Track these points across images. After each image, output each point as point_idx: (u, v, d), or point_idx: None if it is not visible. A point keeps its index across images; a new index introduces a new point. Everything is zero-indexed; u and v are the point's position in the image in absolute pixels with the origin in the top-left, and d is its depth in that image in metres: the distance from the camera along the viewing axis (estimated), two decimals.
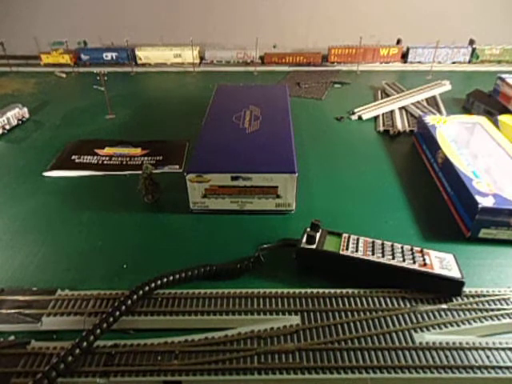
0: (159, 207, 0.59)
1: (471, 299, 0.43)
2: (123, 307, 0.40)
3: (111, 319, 0.39)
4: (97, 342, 0.38)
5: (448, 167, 0.59)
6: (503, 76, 0.88)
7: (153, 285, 0.42)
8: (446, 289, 0.43)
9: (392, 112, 0.89)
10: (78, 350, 0.36)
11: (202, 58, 1.27)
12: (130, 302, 0.40)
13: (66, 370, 0.35)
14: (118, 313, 0.39)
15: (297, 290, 0.44)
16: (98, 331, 0.37)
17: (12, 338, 0.39)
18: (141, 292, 0.41)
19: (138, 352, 0.37)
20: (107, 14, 1.26)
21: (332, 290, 0.44)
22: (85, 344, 0.36)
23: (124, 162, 0.70)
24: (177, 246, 0.51)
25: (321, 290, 0.44)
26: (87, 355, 0.37)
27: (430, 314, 0.41)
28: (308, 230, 0.47)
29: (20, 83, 1.11)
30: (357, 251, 0.45)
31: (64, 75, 1.18)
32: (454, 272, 0.42)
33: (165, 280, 0.43)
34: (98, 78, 0.88)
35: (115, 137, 0.79)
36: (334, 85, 1.09)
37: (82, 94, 1.04)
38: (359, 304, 0.42)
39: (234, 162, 0.56)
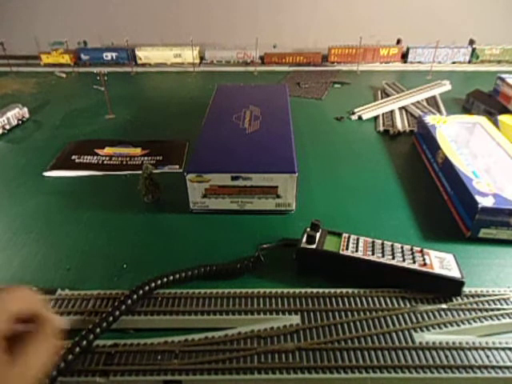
0: (159, 207, 0.59)
1: (471, 299, 0.43)
2: (123, 307, 0.40)
3: (111, 318, 0.39)
4: (97, 342, 0.38)
5: (448, 167, 0.59)
6: (503, 76, 0.88)
7: (153, 284, 0.42)
8: (446, 289, 0.43)
9: (392, 112, 0.89)
10: (77, 349, 0.36)
11: (201, 58, 1.27)
12: (130, 301, 0.40)
13: (67, 369, 0.35)
14: (117, 312, 0.39)
15: (297, 290, 0.44)
16: (98, 330, 0.37)
17: None
18: (141, 292, 0.41)
19: (137, 351, 0.37)
20: (107, 14, 1.26)
21: (332, 290, 0.44)
22: (84, 343, 0.36)
23: (124, 162, 0.70)
24: (177, 246, 0.51)
25: (321, 290, 0.44)
26: (87, 354, 0.37)
27: (430, 314, 0.41)
28: (308, 229, 0.47)
29: (20, 83, 1.11)
30: (357, 251, 0.45)
31: (64, 75, 1.18)
32: (453, 272, 0.42)
33: (165, 280, 0.43)
34: (98, 77, 0.87)
35: (115, 137, 0.79)
36: (333, 85, 1.09)
37: (82, 94, 1.04)
38: (359, 304, 0.42)
39: (234, 162, 0.56)
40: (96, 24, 1.28)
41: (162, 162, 0.70)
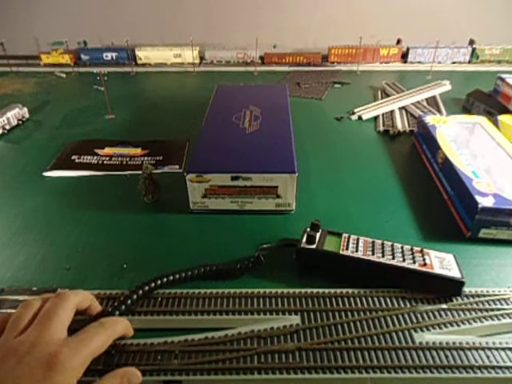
0: (159, 207, 0.59)
1: (471, 299, 0.43)
2: (123, 307, 0.40)
3: None
4: None
5: (448, 167, 0.59)
6: (503, 76, 0.88)
7: (153, 284, 0.42)
8: (446, 289, 0.43)
9: (392, 112, 0.89)
10: None
11: (201, 58, 1.27)
12: (129, 301, 0.40)
13: None
14: (117, 312, 0.39)
15: (297, 290, 0.44)
16: None
17: None
18: (140, 292, 0.41)
19: (137, 351, 0.37)
20: (107, 14, 1.26)
21: (332, 290, 0.44)
22: None
23: (124, 162, 0.70)
24: (177, 246, 0.51)
25: (321, 290, 0.44)
26: None
27: (430, 314, 0.41)
28: (308, 229, 0.47)
29: (20, 83, 1.11)
30: (357, 251, 0.45)
31: (64, 75, 1.18)
32: (453, 272, 0.42)
33: (165, 280, 0.43)
34: (98, 77, 0.88)
35: (115, 137, 0.79)
36: (333, 85, 1.09)
37: (82, 94, 1.04)
38: (359, 304, 0.42)
39: (234, 162, 0.56)
40: (96, 24, 1.28)
41: (162, 162, 0.70)
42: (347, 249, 0.45)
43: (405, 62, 1.25)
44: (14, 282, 0.45)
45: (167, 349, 0.37)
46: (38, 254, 0.50)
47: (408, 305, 0.42)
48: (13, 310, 0.41)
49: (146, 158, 0.71)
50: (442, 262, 0.44)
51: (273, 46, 1.26)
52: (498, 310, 0.41)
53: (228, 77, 1.16)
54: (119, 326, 0.36)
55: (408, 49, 1.23)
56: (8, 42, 1.16)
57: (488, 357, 0.37)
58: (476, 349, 0.37)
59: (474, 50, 1.22)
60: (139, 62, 1.25)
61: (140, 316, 0.41)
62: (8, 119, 0.82)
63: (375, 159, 0.72)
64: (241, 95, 0.80)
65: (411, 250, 0.45)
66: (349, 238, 0.47)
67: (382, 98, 0.97)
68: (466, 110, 0.92)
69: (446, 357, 0.37)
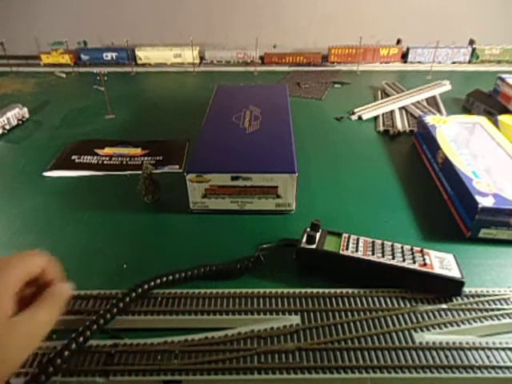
0: (159, 207, 0.59)
1: (471, 299, 0.43)
2: (121, 304, 0.40)
3: (108, 315, 0.39)
4: (97, 342, 0.38)
5: (448, 167, 0.59)
6: (503, 76, 0.88)
7: (152, 284, 0.42)
8: (446, 289, 0.43)
9: (392, 112, 0.89)
10: (74, 345, 0.36)
11: (201, 58, 1.27)
12: (128, 299, 0.40)
13: (63, 365, 0.35)
14: (115, 310, 0.39)
15: (297, 290, 0.44)
16: (95, 327, 0.37)
17: None
18: (139, 290, 0.41)
19: (137, 351, 0.37)
20: (107, 14, 1.26)
21: (332, 290, 0.44)
22: (81, 339, 0.36)
23: (124, 162, 0.70)
24: (177, 246, 0.51)
25: (321, 290, 0.44)
26: (87, 354, 0.37)
27: (430, 314, 0.41)
28: (308, 229, 0.47)
29: (20, 83, 1.11)
30: (357, 251, 0.45)
31: (64, 75, 1.18)
32: (453, 272, 0.42)
33: (164, 280, 0.43)
34: (98, 77, 0.88)
35: (115, 137, 0.79)
36: (334, 85, 1.09)
37: (82, 94, 1.04)
38: (359, 304, 0.42)
39: (234, 162, 0.56)
40: (96, 24, 1.28)
41: (162, 162, 0.70)
42: (347, 249, 0.45)
43: (405, 61, 1.25)
44: None
45: (167, 349, 0.37)
46: None
47: (408, 305, 0.42)
48: None
49: (145, 158, 0.71)
50: (441, 262, 0.44)
51: (273, 46, 1.26)
52: (498, 310, 0.41)
53: (228, 77, 1.16)
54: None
55: (408, 49, 1.23)
56: (8, 41, 1.16)
57: (488, 357, 0.37)
58: (476, 349, 0.37)
59: (474, 49, 1.22)
60: (139, 62, 1.25)
61: (140, 316, 0.41)
62: (8, 119, 0.82)
63: (375, 159, 0.72)
64: (241, 95, 0.80)
65: (411, 250, 0.45)
66: (349, 238, 0.47)
67: (382, 98, 0.97)
68: (466, 109, 0.92)
69: (446, 357, 0.37)
